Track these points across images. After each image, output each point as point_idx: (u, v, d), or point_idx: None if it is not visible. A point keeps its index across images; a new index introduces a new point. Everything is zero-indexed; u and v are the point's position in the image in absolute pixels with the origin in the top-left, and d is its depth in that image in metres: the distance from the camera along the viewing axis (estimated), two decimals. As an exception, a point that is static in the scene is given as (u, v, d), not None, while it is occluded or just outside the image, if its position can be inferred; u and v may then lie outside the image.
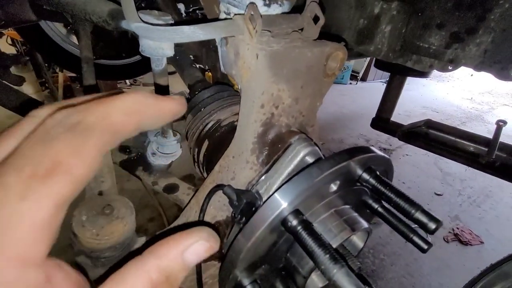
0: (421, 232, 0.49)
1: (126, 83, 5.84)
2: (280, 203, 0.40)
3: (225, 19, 0.55)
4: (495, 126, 1.40)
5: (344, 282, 0.33)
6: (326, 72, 0.55)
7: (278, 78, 0.47)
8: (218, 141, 0.65)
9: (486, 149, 1.43)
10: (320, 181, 0.40)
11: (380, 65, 1.77)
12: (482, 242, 3.07)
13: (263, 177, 0.51)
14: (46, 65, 4.70)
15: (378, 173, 0.46)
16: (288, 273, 0.50)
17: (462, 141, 1.52)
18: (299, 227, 0.39)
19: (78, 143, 0.20)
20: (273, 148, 0.52)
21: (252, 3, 0.45)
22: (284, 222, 0.40)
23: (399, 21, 1.05)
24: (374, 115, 2.05)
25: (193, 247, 0.23)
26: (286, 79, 0.48)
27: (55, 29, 2.24)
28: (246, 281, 0.46)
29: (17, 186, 0.18)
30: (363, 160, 0.45)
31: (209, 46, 1.14)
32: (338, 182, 0.44)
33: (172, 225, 0.59)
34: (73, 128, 0.21)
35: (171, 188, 0.80)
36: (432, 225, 0.39)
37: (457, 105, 6.70)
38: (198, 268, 0.55)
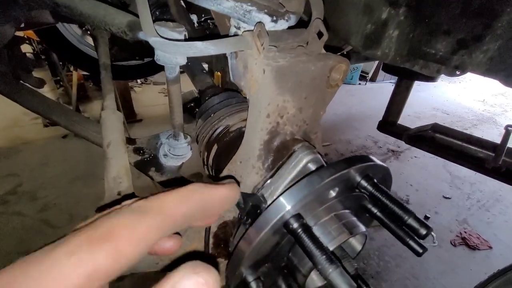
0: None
1: (137, 82, 5.96)
2: (283, 207, 0.44)
3: (235, 33, 0.59)
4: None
5: (338, 281, 0.36)
6: (329, 83, 0.58)
7: (283, 90, 0.51)
8: (227, 146, 0.69)
9: (493, 154, 1.43)
10: (320, 188, 0.44)
11: (388, 68, 1.78)
12: (490, 247, 3.04)
13: (268, 182, 0.55)
14: (61, 64, 4.85)
15: (375, 180, 0.50)
16: (290, 271, 0.54)
17: (469, 146, 1.52)
18: (299, 230, 0.42)
19: (133, 218, 0.23)
20: (278, 155, 0.56)
21: (260, 22, 0.48)
22: (286, 224, 0.44)
23: (406, 27, 1.06)
24: (382, 117, 2.06)
25: (182, 283, 0.21)
26: (290, 91, 0.52)
27: (70, 30, 2.33)
28: (250, 278, 0.50)
29: (71, 243, 0.20)
30: (361, 169, 0.49)
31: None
32: (337, 189, 0.47)
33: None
34: (135, 209, 0.24)
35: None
36: (423, 231, 0.42)
37: (468, 107, 6.57)
38: (207, 264, 0.59)
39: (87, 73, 5.26)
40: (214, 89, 0.88)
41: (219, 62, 1.29)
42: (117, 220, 0.23)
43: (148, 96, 5.69)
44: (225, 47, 0.51)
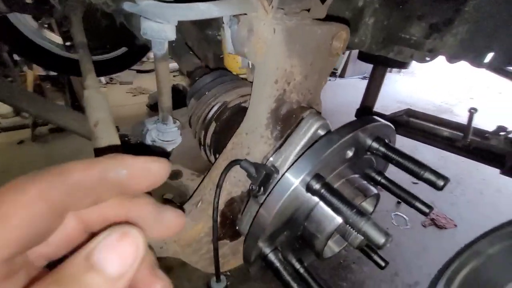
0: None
1: (102, 82, 5.60)
2: (303, 169, 0.42)
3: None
4: (465, 116, 1.53)
5: (372, 232, 0.35)
6: (331, 52, 0.58)
7: (292, 53, 0.49)
8: (226, 122, 0.66)
9: (462, 134, 1.55)
10: (340, 146, 0.42)
11: (363, 56, 1.85)
12: (455, 226, 3.29)
13: (278, 151, 0.52)
14: (12, 63, 4.39)
15: (386, 141, 0.50)
16: (305, 241, 0.52)
17: (440, 128, 1.63)
18: (323, 189, 0.41)
19: (28, 178, 0.21)
20: (286, 123, 0.54)
21: (267, -21, 0.46)
22: (308, 186, 0.42)
23: (381, 14, 1.10)
24: (353, 111, 2.15)
25: (99, 247, 0.19)
26: (298, 54, 0.50)
27: (25, 22, 2.11)
28: (267, 250, 0.48)
29: None
30: (372, 130, 0.49)
31: (201, 36, 1.14)
32: (353, 149, 0.46)
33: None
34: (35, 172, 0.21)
35: (175, 175, 0.79)
36: (441, 182, 0.43)
37: (428, 99, 7.08)
38: (215, 244, 0.55)
39: (43, 73, 4.83)
40: (203, 69, 0.85)
41: (201, 48, 1.24)
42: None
43: (114, 97, 5.35)
44: (228, 8, 0.48)
